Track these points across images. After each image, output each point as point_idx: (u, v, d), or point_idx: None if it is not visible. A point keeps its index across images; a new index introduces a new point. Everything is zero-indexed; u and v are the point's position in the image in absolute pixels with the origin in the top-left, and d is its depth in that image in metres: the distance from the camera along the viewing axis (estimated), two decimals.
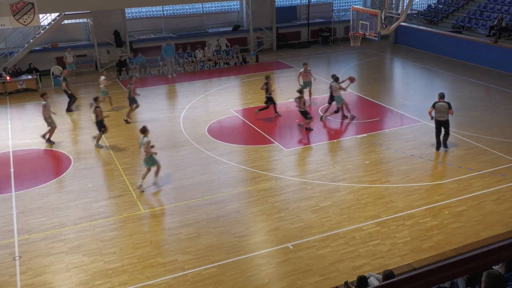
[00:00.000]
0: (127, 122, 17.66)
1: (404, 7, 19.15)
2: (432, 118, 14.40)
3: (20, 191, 12.96)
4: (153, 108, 19.08)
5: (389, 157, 14.38)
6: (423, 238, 10.41)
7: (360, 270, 9.30)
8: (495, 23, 23.99)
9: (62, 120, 18.08)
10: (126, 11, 25.30)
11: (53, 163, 14.76)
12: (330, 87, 17.26)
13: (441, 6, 29.21)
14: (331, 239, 10.44)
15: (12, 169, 14.20)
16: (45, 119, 15.92)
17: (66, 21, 24.23)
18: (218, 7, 28.14)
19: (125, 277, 9.45)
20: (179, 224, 11.21)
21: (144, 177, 12.88)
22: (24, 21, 19.50)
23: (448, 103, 14.17)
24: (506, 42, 23.40)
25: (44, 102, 15.81)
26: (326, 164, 14.03)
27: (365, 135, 16.01)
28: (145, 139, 12.65)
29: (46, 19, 23.20)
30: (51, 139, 15.99)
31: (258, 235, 10.79)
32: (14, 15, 19.17)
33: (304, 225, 10.97)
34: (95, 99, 15.72)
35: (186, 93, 21.18)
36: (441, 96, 14.29)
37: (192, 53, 24.82)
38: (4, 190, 13.03)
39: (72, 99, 19.19)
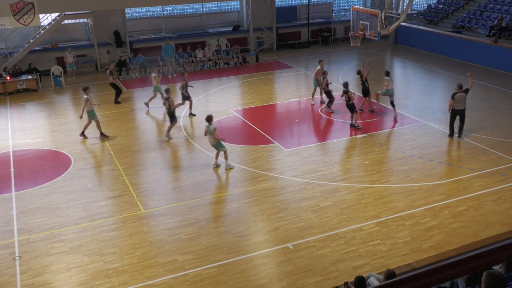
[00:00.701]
0: (192, 114, 18.11)
1: (404, 7, 19.15)
2: (450, 110, 15.15)
3: (20, 191, 12.96)
4: (154, 108, 19.05)
5: (389, 157, 14.38)
6: (423, 238, 10.41)
7: (360, 270, 9.30)
8: (495, 23, 23.99)
9: (67, 119, 18.11)
10: (126, 11, 25.30)
11: (53, 163, 14.75)
12: (363, 78, 17.73)
13: (441, 6, 29.21)
14: (331, 239, 10.44)
15: (12, 169, 14.21)
16: (87, 112, 15.95)
17: (66, 21, 24.23)
18: (218, 7, 28.14)
19: (125, 277, 9.45)
20: (179, 224, 11.21)
21: (226, 157, 13.72)
22: (24, 21, 19.52)
23: (466, 90, 14.89)
24: (506, 42, 23.39)
25: (86, 96, 15.83)
26: (326, 164, 14.03)
27: (365, 135, 16.02)
28: (212, 127, 13.30)
29: (46, 19, 23.20)
30: (104, 132, 16.24)
31: (258, 235, 10.79)
32: (14, 15, 19.20)
33: (304, 225, 10.98)
34: (167, 91, 16.11)
35: None
36: (460, 87, 15.00)
37: (192, 53, 24.82)
38: (4, 190, 13.03)
39: (119, 91, 19.63)
